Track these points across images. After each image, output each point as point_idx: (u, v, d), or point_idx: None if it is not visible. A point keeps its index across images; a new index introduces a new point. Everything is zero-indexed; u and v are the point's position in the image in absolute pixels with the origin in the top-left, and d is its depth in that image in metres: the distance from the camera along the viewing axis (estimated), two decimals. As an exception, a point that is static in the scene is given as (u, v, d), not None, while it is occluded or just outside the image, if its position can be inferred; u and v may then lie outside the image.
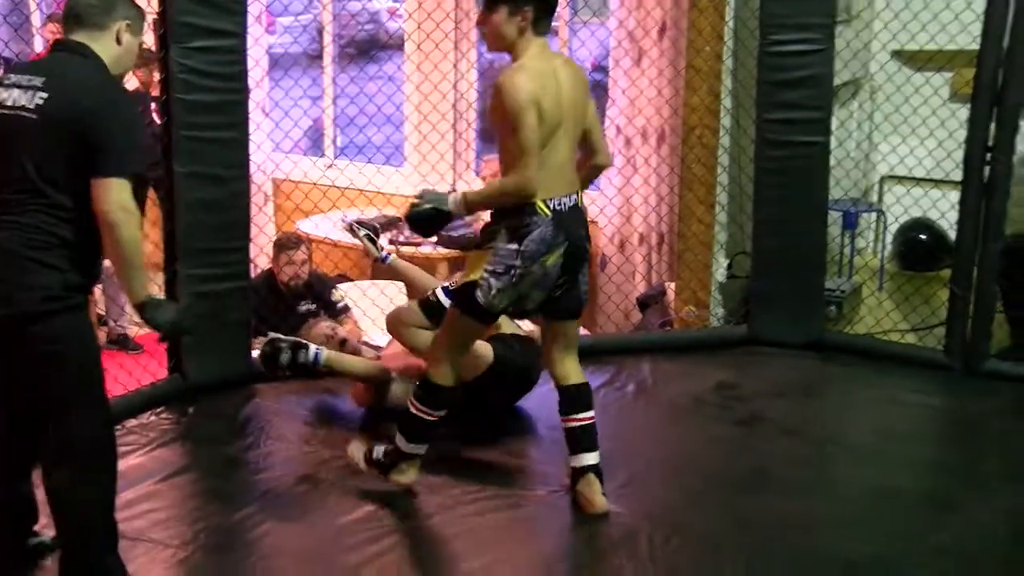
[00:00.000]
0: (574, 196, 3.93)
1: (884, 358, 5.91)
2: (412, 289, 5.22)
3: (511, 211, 3.83)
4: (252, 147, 5.37)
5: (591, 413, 4.17)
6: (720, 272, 6.43)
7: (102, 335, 6.56)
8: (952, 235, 5.91)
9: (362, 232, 5.26)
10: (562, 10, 7.51)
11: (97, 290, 7.16)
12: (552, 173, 3.81)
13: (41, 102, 3.31)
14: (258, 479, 4.54)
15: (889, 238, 7.30)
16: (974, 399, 5.46)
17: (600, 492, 4.10)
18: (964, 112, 5.62)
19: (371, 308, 6.40)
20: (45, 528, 3.74)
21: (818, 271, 5.89)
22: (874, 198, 7.42)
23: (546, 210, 3.81)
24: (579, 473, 4.13)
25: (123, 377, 5.28)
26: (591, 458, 4.13)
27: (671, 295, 6.55)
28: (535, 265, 3.82)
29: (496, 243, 3.85)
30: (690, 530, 4.11)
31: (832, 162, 5.88)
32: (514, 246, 3.81)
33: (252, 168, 5.45)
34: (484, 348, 4.75)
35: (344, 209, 7.59)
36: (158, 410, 5.01)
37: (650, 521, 4.12)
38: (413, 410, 4.08)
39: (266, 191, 8.00)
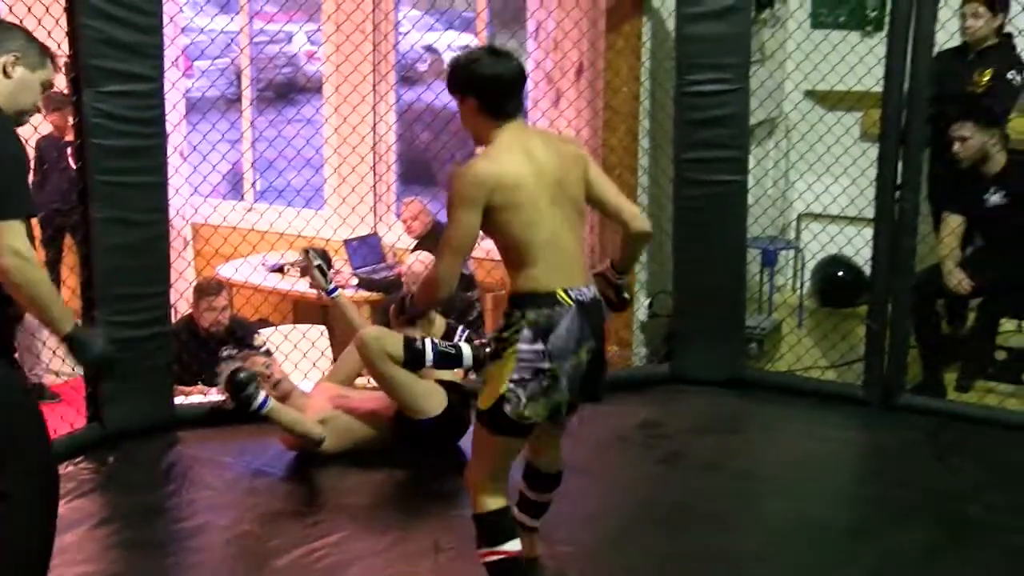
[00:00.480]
0: (592, 287, 3.50)
1: (804, 394, 5.96)
2: (346, 329, 5.23)
3: (528, 302, 3.36)
4: (171, 191, 5.33)
5: (551, 495, 4.00)
6: (641, 311, 6.45)
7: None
8: (868, 271, 6.00)
9: (316, 261, 5.22)
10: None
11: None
12: (563, 259, 3.39)
13: None
14: (180, 527, 4.50)
15: (807, 275, 7.38)
16: (890, 433, 5.51)
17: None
18: (874, 151, 5.70)
19: (293, 352, 6.40)
20: None
21: (738, 308, 5.94)
22: (792, 235, 7.50)
23: (568, 299, 3.34)
24: (527, 530, 3.91)
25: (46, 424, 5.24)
26: (539, 522, 4.02)
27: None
28: (566, 364, 3.35)
29: (518, 347, 3.32)
30: (614, 568, 4.17)
31: (750, 200, 5.92)
32: (539, 346, 3.31)
33: (171, 212, 5.41)
34: (437, 396, 4.98)
35: (264, 253, 7.59)
36: (77, 460, 4.92)
37: (574, 560, 4.16)
38: (489, 558, 3.57)
39: (185, 235, 7.93)
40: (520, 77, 3.49)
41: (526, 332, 3.31)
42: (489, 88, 3.39)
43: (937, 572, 4.22)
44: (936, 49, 5.48)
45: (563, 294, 3.33)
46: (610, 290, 3.72)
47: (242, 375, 4.80)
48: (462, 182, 3.32)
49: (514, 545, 3.56)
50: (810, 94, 7.01)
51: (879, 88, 5.56)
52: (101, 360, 3.53)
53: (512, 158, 3.37)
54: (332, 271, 5.01)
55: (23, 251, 3.17)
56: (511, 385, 3.32)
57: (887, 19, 5.73)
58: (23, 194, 3.28)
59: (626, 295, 3.85)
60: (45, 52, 3.54)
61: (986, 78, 5.99)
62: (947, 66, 5.74)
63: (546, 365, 3.31)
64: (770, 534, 4.55)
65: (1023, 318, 6.08)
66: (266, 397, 4.82)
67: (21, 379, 3.47)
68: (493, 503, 3.54)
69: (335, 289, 5.22)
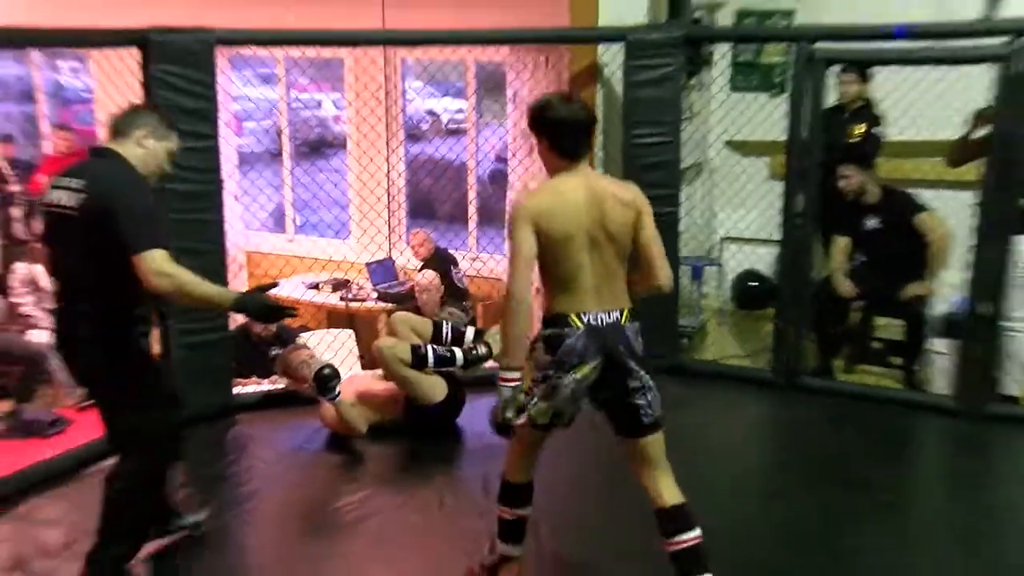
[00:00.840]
0: (615, 313, 3.20)
1: (725, 378, 5.98)
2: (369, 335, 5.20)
3: (548, 322, 3.22)
4: (227, 226, 5.31)
5: (695, 533, 3.28)
6: None
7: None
8: (775, 281, 6.02)
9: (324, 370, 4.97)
10: (470, 114, 7.60)
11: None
12: (583, 289, 3.18)
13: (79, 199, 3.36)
14: (240, 491, 4.50)
15: (727, 285, 7.38)
16: (793, 408, 5.53)
17: None
18: (779, 187, 5.73)
19: (327, 352, 6.36)
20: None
21: (674, 312, 5.90)
22: (715, 254, 7.50)
23: (579, 323, 3.16)
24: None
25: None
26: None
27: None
28: (567, 376, 3.14)
29: (535, 354, 3.22)
30: (575, 524, 4.19)
31: (682, 227, 5.90)
32: (549, 356, 3.19)
33: (228, 243, 5.39)
34: (440, 387, 5.00)
35: (303, 274, 7.57)
36: None
37: (542, 515, 4.06)
38: (500, 513, 3.54)
39: (240, 261, 7.92)
40: (585, 122, 3.24)
41: (540, 345, 3.20)
42: (556, 130, 3.20)
43: (832, 522, 4.21)
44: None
45: (575, 318, 3.15)
46: None
47: (327, 370, 4.87)
48: (514, 209, 3.17)
49: (525, 511, 3.50)
50: (729, 143, 7.00)
51: (783, 138, 5.58)
52: (267, 309, 3.50)
53: (553, 198, 3.17)
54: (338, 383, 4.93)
55: (168, 271, 3.23)
56: (530, 384, 3.18)
57: (788, 84, 5.75)
58: (159, 231, 3.32)
59: None
60: (171, 127, 3.63)
61: (860, 130, 6.07)
62: (830, 121, 5.77)
63: (551, 373, 3.14)
64: (704, 492, 4.48)
65: (892, 316, 6.09)
66: (339, 390, 4.89)
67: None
68: (518, 477, 3.47)
69: (337, 395, 4.93)
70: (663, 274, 3.30)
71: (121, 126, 3.51)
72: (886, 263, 5.83)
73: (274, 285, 3.72)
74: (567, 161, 3.20)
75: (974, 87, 5.34)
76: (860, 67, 6.01)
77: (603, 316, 3.18)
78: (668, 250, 5.56)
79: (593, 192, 3.17)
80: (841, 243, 5.96)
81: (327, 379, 4.85)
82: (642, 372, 3.24)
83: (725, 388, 5.81)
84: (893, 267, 5.81)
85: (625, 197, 3.22)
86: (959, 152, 5.54)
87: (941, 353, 5.67)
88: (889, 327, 6.21)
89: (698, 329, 6.71)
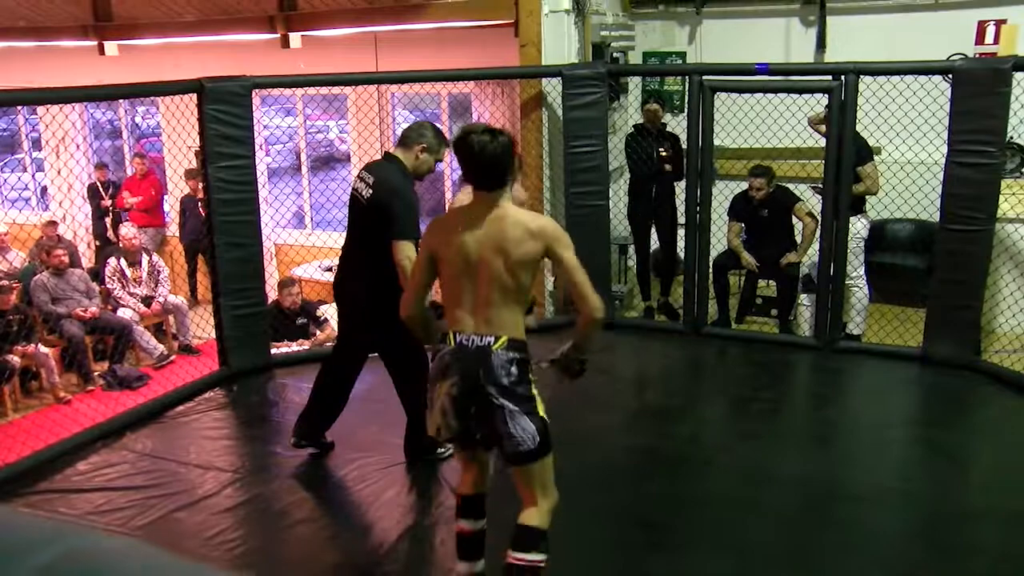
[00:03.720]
0: (488, 338, 2.57)
1: (648, 329, 6.07)
2: None
3: (440, 338, 2.72)
4: (261, 225, 5.27)
5: (538, 556, 2.63)
6: (549, 283, 6.39)
7: (175, 346, 6.48)
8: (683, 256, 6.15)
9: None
10: (445, 132, 7.72)
11: (171, 318, 7.14)
12: (463, 310, 2.62)
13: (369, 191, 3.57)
14: (278, 427, 4.53)
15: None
16: (698, 350, 5.62)
17: None
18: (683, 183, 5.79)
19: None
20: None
21: (607, 280, 5.91)
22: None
23: (452, 341, 2.62)
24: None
25: (192, 370, 5.28)
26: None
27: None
28: (434, 390, 2.66)
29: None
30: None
31: (611, 215, 5.95)
32: (433, 370, 2.71)
33: (262, 237, 5.35)
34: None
35: (320, 260, 7.66)
36: (215, 388, 4.95)
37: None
38: (458, 529, 2.90)
39: (271, 251, 7.98)
40: (490, 160, 2.59)
41: (432, 357, 2.74)
42: (463, 162, 2.65)
43: (727, 430, 4.42)
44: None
45: (451, 336, 2.63)
46: (572, 364, 2.82)
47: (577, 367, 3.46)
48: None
49: (478, 524, 2.86)
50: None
51: (684, 145, 5.65)
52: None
53: (451, 222, 2.69)
54: None
55: (412, 257, 3.33)
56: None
57: (686, 105, 5.87)
58: (415, 225, 3.50)
59: (583, 367, 2.84)
60: (443, 142, 3.71)
61: (666, 148, 6.24)
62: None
63: (432, 386, 2.69)
64: (626, 415, 4.68)
65: (770, 279, 6.20)
66: None
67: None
68: (464, 489, 2.87)
69: None
70: (588, 304, 2.61)
71: (405, 140, 3.66)
72: (769, 239, 5.97)
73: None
74: (478, 191, 2.66)
75: (814, 109, 5.54)
76: (658, 96, 6.16)
77: (475, 339, 2.59)
78: (603, 233, 5.88)
79: (495, 221, 2.60)
80: (736, 227, 6.09)
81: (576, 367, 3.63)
82: (504, 400, 2.56)
83: (649, 338, 5.85)
84: (773, 241, 5.96)
85: (532, 227, 2.61)
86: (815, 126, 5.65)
87: (805, 305, 5.90)
88: (768, 287, 6.37)
89: (625, 294, 6.77)
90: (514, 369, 2.58)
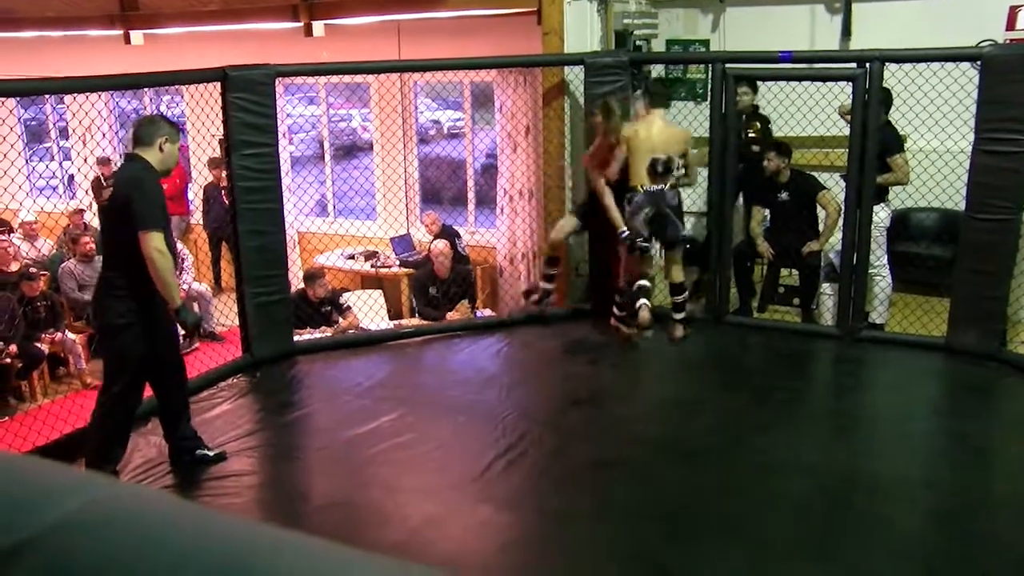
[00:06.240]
0: (661, 186, 4.83)
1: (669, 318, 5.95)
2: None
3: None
4: (285, 212, 5.34)
5: (678, 296, 5.13)
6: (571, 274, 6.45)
7: (201, 332, 6.51)
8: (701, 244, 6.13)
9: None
10: (467, 122, 7.74)
11: (195, 304, 7.22)
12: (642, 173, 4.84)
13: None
14: (301, 413, 4.63)
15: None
16: (721, 339, 5.61)
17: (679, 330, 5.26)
18: (705, 172, 5.71)
19: (363, 306, 6.56)
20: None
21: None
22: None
23: (640, 190, 4.84)
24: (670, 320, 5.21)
25: (216, 357, 5.32)
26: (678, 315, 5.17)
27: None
28: (640, 215, 4.79)
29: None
30: (553, 427, 4.32)
31: None
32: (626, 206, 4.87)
33: (285, 225, 5.40)
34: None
35: (343, 248, 7.72)
36: (238, 376, 5.02)
37: (527, 420, 4.33)
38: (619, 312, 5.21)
39: (294, 239, 8.01)
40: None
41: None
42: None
43: (747, 421, 4.38)
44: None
45: (640, 187, 4.86)
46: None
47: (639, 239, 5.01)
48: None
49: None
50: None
51: (706, 135, 5.65)
52: (193, 324, 3.82)
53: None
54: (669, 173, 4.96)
55: (163, 249, 3.39)
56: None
57: (709, 95, 5.85)
58: (161, 217, 3.47)
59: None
60: (180, 130, 3.70)
61: (757, 128, 6.19)
62: (736, 122, 5.78)
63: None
64: (645, 405, 4.71)
65: (793, 268, 6.16)
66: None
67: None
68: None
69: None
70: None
71: (143, 136, 3.56)
72: (791, 227, 5.93)
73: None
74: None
75: (839, 97, 5.48)
76: (751, 82, 6.03)
77: (654, 188, 4.84)
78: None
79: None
80: (758, 214, 6.05)
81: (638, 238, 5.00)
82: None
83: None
84: (795, 230, 5.91)
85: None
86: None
87: (828, 295, 5.87)
88: (791, 276, 6.32)
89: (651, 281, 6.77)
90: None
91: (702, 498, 3.64)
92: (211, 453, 3.93)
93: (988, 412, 4.65)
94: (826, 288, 5.88)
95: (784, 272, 6.32)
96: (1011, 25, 6.15)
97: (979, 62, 4.86)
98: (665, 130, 4.94)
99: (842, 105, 5.48)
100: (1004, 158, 4.77)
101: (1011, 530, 3.38)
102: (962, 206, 5.06)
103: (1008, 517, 3.47)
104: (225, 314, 6.66)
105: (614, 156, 4.97)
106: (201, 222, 8.53)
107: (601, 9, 6.22)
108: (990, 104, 4.77)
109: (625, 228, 4.94)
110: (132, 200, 3.41)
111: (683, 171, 4.96)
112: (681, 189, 5.08)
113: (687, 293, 5.14)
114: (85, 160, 8.74)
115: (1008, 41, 6.02)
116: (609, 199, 5.01)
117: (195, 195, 8.73)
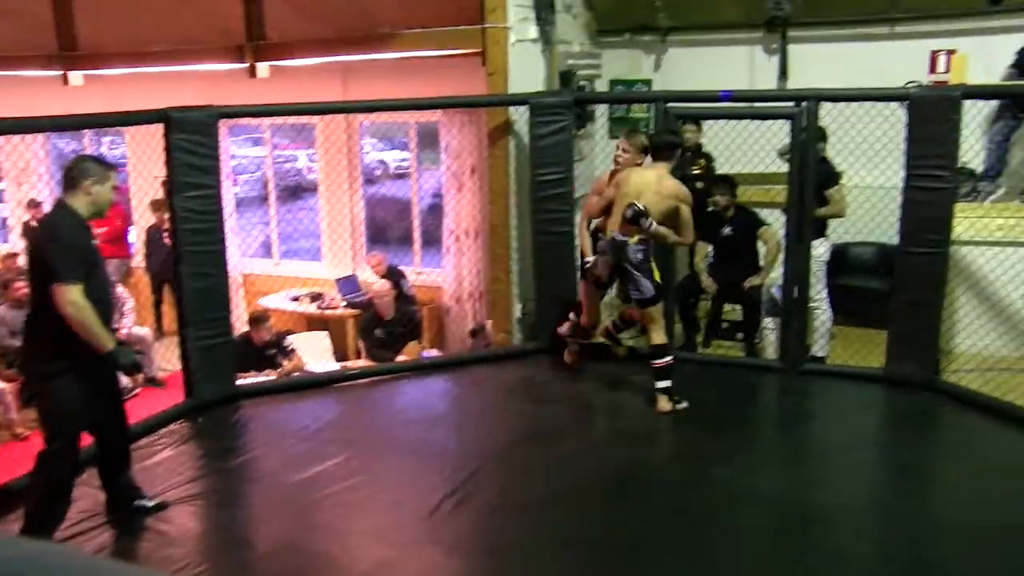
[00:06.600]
0: (625, 238, 4.68)
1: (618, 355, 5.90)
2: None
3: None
4: (228, 255, 5.28)
5: (658, 360, 4.78)
6: (516, 311, 6.44)
7: (141, 378, 6.32)
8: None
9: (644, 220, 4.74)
10: (412, 162, 7.75)
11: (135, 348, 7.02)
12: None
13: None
14: (245, 458, 4.53)
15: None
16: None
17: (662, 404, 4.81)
18: None
19: (309, 348, 6.47)
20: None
21: (577, 308, 5.77)
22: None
23: (607, 235, 4.79)
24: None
25: (157, 403, 5.20)
26: (660, 384, 4.81)
27: (489, 327, 6.57)
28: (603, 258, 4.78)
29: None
30: (505, 464, 4.32)
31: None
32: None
33: (229, 267, 5.37)
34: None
35: (287, 290, 7.62)
36: (180, 420, 4.89)
37: (477, 458, 4.29)
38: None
39: (238, 281, 7.92)
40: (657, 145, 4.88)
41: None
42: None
43: (697, 454, 4.41)
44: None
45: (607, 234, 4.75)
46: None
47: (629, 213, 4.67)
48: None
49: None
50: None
51: None
52: (130, 365, 3.59)
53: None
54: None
55: (79, 302, 3.28)
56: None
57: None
58: (77, 268, 3.32)
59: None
60: (108, 167, 3.53)
61: (701, 164, 6.29)
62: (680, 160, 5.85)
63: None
64: (604, 440, 4.74)
65: (735, 303, 6.24)
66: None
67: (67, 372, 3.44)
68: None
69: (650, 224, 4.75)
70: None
71: (71, 180, 3.41)
72: (734, 262, 6.00)
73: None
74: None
75: (777, 136, 5.64)
76: (696, 120, 6.16)
77: (615, 235, 4.71)
78: (564, 260, 5.88)
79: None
80: (702, 249, 6.10)
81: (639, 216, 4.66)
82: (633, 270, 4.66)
83: (615, 362, 5.75)
84: (738, 265, 5.99)
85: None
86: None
87: (770, 329, 5.97)
88: (733, 311, 6.40)
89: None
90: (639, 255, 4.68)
91: (659, 529, 3.65)
92: (150, 504, 3.80)
93: (927, 440, 4.76)
94: (768, 322, 5.97)
95: (727, 307, 6.40)
96: (932, 69, 6.44)
97: (907, 102, 5.07)
98: (657, 182, 4.72)
99: (782, 146, 5.64)
100: (932, 193, 4.95)
101: (956, 556, 3.45)
102: (897, 240, 5.22)
103: (953, 543, 3.54)
104: (167, 358, 6.51)
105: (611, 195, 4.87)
106: (143, 265, 8.36)
107: (545, 50, 6.32)
108: (918, 142, 4.96)
109: (589, 259, 4.95)
110: (46, 252, 3.33)
111: (651, 226, 4.62)
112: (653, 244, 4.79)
113: (670, 358, 4.83)
114: (19, 203, 8.52)
115: (932, 83, 6.29)
116: (584, 227, 5.16)
117: (137, 238, 8.56)
